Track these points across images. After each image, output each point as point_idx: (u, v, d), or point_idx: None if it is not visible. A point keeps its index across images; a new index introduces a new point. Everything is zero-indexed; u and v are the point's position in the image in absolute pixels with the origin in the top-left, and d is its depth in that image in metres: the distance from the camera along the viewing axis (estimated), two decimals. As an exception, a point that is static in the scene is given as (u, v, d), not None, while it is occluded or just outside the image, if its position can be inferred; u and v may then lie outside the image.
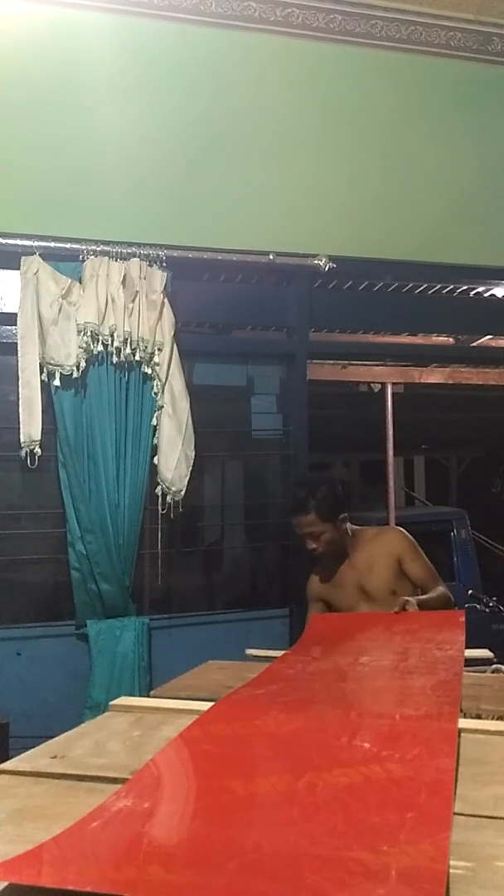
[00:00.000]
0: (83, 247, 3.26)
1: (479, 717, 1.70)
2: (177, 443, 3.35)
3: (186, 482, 3.38)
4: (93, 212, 3.34)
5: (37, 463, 3.15)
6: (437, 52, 3.77)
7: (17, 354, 3.16)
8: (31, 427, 3.14)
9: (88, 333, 3.21)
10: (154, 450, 3.35)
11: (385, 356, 4.97)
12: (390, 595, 2.83)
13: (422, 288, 4.01)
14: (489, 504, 8.59)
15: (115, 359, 3.26)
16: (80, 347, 3.21)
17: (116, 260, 3.29)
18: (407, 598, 2.68)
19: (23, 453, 3.15)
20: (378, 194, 3.73)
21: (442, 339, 4.74)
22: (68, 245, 3.25)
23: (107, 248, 3.28)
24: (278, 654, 2.36)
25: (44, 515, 3.48)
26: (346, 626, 2.81)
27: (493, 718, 1.68)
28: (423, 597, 2.76)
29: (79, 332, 3.21)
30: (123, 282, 3.26)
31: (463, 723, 1.57)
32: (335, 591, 2.97)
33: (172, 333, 3.35)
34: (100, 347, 3.24)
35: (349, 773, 1.27)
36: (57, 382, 3.22)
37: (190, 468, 3.38)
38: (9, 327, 3.27)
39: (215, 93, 3.52)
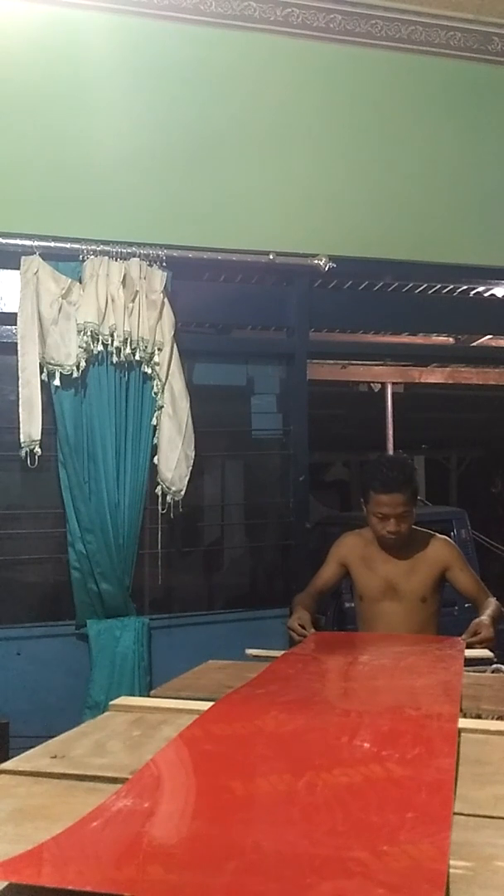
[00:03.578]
0: (83, 247, 3.26)
1: (479, 717, 1.70)
2: (177, 443, 3.35)
3: (186, 482, 3.38)
4: (93, 212, 3.34)
5: (37, 463, 3.15)
6: (437, 52, 3.77)
7: (17, 354, 3.16)
8: (31, 427, 3.15)
9: (88, 333, 3.21)
10: (154, 450, 3.35)
11: (385, 356, 4.99)
12: (419, 601, 2.75)
13: (422, 288, 4.01)
14: (489, 504, 8.59)
15: (115, 359, 3.26)
16: (80, 347, 3.21)
17: (116, 260, 3.29)
18: (478, 620, 2.54)
19: (23, 453, 3.15)
20: (378, 194, 3.72)
21: (442, 339, 4.75)
22: (68, 245, 3.25)
23: (107, 248, 3.28)
24: (278, 654, 2.36)
25: (44, 515, 3.48)
26: (345, 639, 2.81)
27: (493, 718, 1.68)
28: (486, 615, 2.59)
29: (79, 331, 3.21)
30: (123, 282, 3.26)
31: (463, 723, 1.57)
32: (364, 571, 2.82)
33: (172, 333, 3.35)
34: (100, 347, 3.24)
35: (349, 773, 1.27)
36: (57, 382, 3.22)
37: (190, 468, 3.38)
38: (9, 327, 3.27)
39: (215, 92, 3.52)
